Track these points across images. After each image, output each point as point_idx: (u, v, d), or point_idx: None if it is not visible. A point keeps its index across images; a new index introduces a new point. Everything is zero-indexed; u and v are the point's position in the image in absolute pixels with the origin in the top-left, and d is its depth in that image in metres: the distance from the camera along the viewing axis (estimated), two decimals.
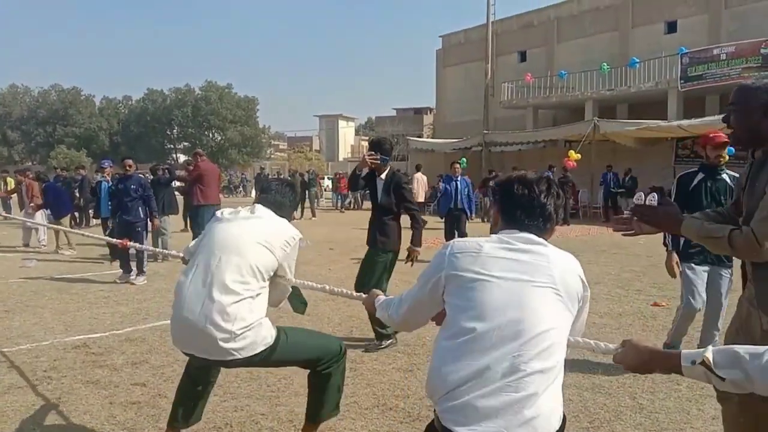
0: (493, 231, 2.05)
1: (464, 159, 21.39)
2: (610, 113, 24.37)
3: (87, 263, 10.10)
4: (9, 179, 19.60)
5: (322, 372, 3.09)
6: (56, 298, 7.28)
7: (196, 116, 60.33)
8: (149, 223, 8.83)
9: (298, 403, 3.85)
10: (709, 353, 1.55)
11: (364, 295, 2.67)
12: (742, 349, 1.53)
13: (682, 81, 21.73)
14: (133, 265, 8.41)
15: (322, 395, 3.13)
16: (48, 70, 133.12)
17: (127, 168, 8.71)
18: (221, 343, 2.70)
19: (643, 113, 22.04)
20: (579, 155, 17.04)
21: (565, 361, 1.85)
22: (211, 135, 62.17)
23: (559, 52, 29.78)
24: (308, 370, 3.14)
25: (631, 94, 24.20)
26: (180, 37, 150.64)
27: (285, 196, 3.21)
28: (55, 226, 10.87)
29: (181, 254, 3.47)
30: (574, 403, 3.91)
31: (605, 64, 24.09)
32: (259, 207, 3.09)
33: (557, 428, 1.76)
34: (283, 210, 3.16)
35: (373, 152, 5.24)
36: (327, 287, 3.18)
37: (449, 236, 10.25)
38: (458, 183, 10.60)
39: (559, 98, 26.72)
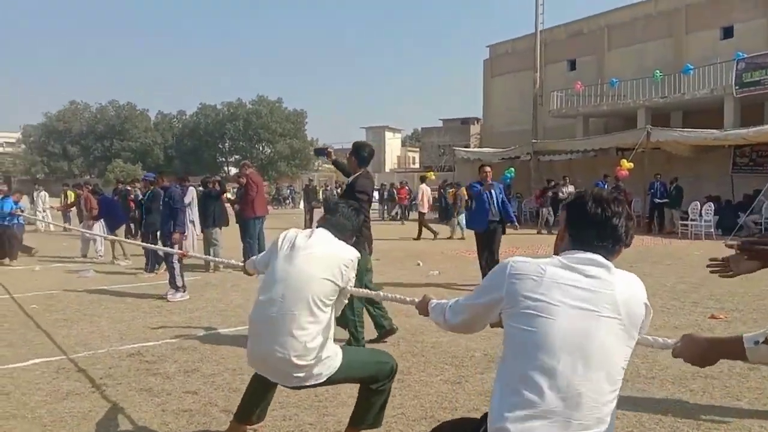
0: (557, 246, 2.00)
1: (512, 168, 21.16)
2: (664, 121, 23.69)
3: (141, 273, 10.36)
4: (69, 192, 20.33)
5: (375, 389, 3.22)
6: (112, 308, 7.50)
7: (247, 130, 61.52)
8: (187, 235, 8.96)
9: (345, 414, 3.84)
10: None
11: (417, 300, 2.68)
12: None
13: (737, 87, 20.99)
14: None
15: (370, 408, 3.26)
16: (105, 87, 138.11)
17: (160, 180, 9.05)
18: (294, 374, 2.94)
19: (698, 121, 21.36)
20: (632, 164, 16.62)
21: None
22: (261, 148, 63.29)
23: (609, 59, 29.23)
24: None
25: (685, 101, 23.51)
26: (232, 52, 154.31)
27: (349, 219, 3.32)
28: (112, 237, 11.21)
29: (241, 264, 3.76)
30: (628, 418, 3.80)
31: (658, 71, 23.50)
32: (318, 233, 3.19)
33: None
34: (344, 233, 3.27)
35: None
36: (381, 293, 3.26)
37: (483, 255, 8.61)
38: (492, 191, 8.67)
39: (611, 106, 26.16)
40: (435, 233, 17.10)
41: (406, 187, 27.42)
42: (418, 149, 66.48)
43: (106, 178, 50.70)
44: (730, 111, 21.44)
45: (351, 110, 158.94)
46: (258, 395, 3.45)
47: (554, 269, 1.83)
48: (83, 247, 12.95)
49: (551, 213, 18.93)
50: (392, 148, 70.02)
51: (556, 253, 1.96)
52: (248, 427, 3.53)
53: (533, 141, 24.09)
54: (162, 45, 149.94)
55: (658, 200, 18.04)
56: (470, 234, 10.03)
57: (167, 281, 8.18)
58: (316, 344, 2.93)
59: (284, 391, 4.05)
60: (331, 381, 3.09)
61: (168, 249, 7.65)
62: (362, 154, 5.71)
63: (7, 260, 11.75)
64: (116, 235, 11.93)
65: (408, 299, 3.00)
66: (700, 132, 17.99)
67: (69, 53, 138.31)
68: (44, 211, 21.00)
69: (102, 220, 12.74)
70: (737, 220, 15.93)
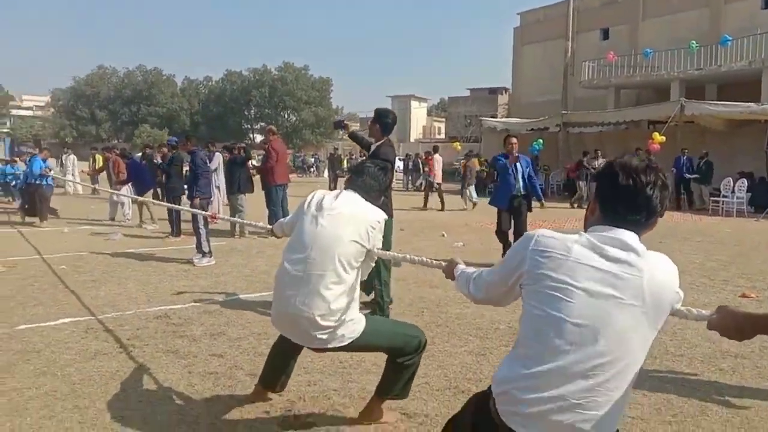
0: (587, 220, 1.88)
1: (540, 140, 20.88)
2: (698, 94, 23.07)
3: (168, 237, 10.45)
4: (98, 156, 20.56)
5: (402, 363, 3.16)
6: (139, 270, 7.59)
7: (273, 97, 61.43)
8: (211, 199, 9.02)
9: (370, 381, 3.85)
10: None
11: (443, 263, 2.59)
12: None
13: None
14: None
15: (396, 380, 3.22)
16: (133, 52, 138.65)
17: (188, 144, 9.13)
18: (317, 334, 2.93)
19: (734, 94, 20.75)
20: (664, 138, 16.24)
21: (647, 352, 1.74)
22: (286, 115, 63.23)
23: (643, 29, 28.43)
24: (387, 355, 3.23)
25: (721, 73, 22.83)
26: (258, 18, 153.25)
27: (376, 179, 3.27)
28: (141, 199, 11.31)
29: (269, 227, 3.87)
30: (656, 396, 3.74)
31: (694, 42, 22.80)
32: (345, 194, 3.15)
33: None
34: (371, 194, 3.22)
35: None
36: (408, 256, 3.23)
37: (502, 232, 8.07)
38: (518, 164, 8.03)
39: (644, 78, 25.53)
40: (427, 205, 17.10)
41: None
42: (444, 119, 65.87)
43: (133, 142, 51.22)
44: None
45: (377, 79, 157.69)
46: (281, 361, 3.46)
47: (580, 248, 1.73)
48: (111, 210, 13.11)
49: (588, 186, 18.42)
50: (418, 117, 69.45)
51: (586, 228, 1.86)
52: (271, 393, 3.56)
53: (563, 112, 23.66)
54: (189, 11, 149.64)
55: (688, 175, 17.58)
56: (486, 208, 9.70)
57: (194, 245, 8.24)
58: (341, 305, 2.92)
59: (308, 357, 4.07)
60: (354, 346, 3.06)
61: (198, 210, 7.69)
62: (386, 121, 5.46)
63: (37, 220, 11.97)
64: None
65: (434, 262, 2.95)
66: (736, 105, 17.47)
67: (98, 17, 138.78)
68: (73, 174, 21.32)
69: (130, 183, 12.86)
70: None
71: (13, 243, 9.66)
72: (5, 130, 65.03)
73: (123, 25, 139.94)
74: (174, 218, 10.38)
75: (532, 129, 25.22)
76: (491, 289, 2.03)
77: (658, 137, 16.15)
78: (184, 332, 4.96)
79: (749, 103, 17.65)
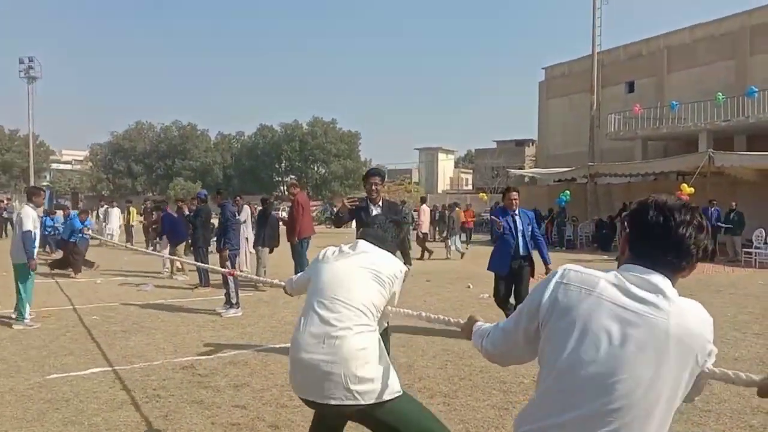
0: (619, 261, 1.77)
1: (568, 192, 20.84)
2: (727, 145, 22.93)
3: (197, 288, 10.62)
4: (132, 209, 21.07)
5: None
6: (168, 321, 7.73)
7: (303, 150, 62.77)
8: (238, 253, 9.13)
9: None
10: None
11: (462, 321, 2.45)
12: None
13: None
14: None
15: None
16: (169, 108, 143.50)
17: (218, 198, 9.41)
18: (345, 382, 2.56)
19: (763, 145, 20.57)
20: (692, 189, 16.11)
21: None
22: (315, 168, 64.37)
23: (669, 82, 28.56)
24: None
25: (749, 125, 22.70)
26: (288, 74, 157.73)
27: (387, 231, 3.18)
28: (158, 254, 11.58)
29: (283, 283, 3.55)
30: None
31: (720, 94, 22.82)
32: (361, 242, 3.04)
33: None
34: (386, 244, 3.09)
35: (352, 197, 5.55)
36: (423, 314, 3.09)
37: (500, 298, 6.88)
38: (516, 218, 6.82)
39: (671, 129, 25.50)
40: (430, 252, 17.31)
41: (471, 209, 24.83)
42: (471, 170, 66.21)
43: (167, 195, 52.41)
44: None
45: (404, 131, 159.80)
46: None
47: (606, 284, 1.64)
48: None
49: None
50: (445, 169, 69.99)
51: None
52: None
53: (590, 164, 23.64)
54: (222, 68, 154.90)
55: (721, 224, 17.28)
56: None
57: (221, 295, 8.38)
58: (371, 354, 2.64)
59: None
60: (390, 411, 2.64)
61: (216, 268, 7.85)
62: (382, 174, 5.98)
63: (72, 273, 12.28)
64: (177, 251, 12.30)
65: (452, 321, 2.82)
66: (766, 155, 17.30)
67: (136, 75, 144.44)
68: (120, 227, 21.29)
69: (165, 236, 13.14)
70: None
71: (49, 293, 9.91)
72: (45, 183, 67.25)
73: (161, 81, 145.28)
74: (202, 269, 10.56)
75: (559, 180, 25.22)
76: (508, 338, 1.87)
77: (687, 189, 16.03)
78: (209, 383, 5.03)
79: None
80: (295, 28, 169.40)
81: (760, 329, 7.49)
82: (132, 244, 16.62)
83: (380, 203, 5.59)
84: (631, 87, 30.66)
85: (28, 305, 7.37)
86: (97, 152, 69.30)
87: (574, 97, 32.42)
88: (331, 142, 62.53)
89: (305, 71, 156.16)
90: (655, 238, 1.65)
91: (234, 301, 8.22)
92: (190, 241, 13.47)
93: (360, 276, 2.80)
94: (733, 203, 17.21)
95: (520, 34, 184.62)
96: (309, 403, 2.70)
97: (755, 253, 16.06)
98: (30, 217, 7.35)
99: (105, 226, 20.70)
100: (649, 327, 1.56)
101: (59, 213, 18.36)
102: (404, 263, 5.10)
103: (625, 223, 1.77)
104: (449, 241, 17.97)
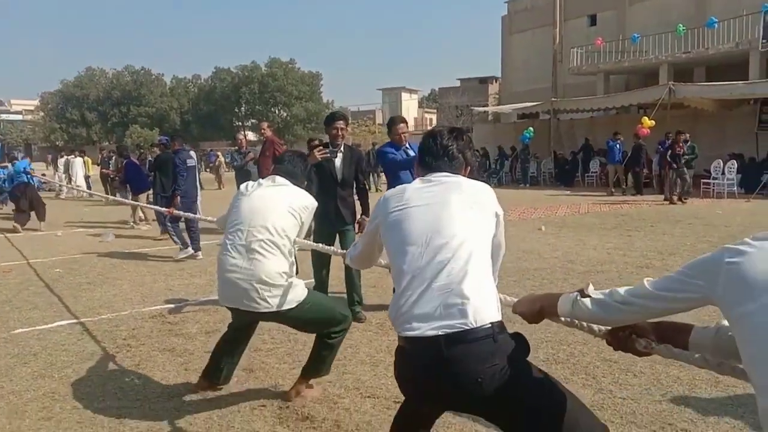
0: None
1: (531, 128, 20.89)
2: (687, 77, 23.11)
3: (164, 237, 10.46)
4: (87, 159, 20.48)
5: (330, 341, 3.47)
6: (134, 271, 7.61)
7: (263, 93, 61.21)
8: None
9: (365, 371, 3.91)
10: None
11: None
12: None
13: (764, 41, 20.36)
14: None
15: (325, 359, 3.52)
16: (120, 52, 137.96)
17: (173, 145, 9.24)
18: (263, 296, 3.16)
19: (723, 76, 20.76)
20: (653, 122, 16.28)
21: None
22: (277, 111, 63.05)
23: (631, 14, 28.42)
24: (318, 334, 3.51)
25: (709, 56, 22.86)
26: (244, 14, 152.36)
27: (296, 166, 3.59)
28: (131, 202, 11.31)
29: (215, 219, 4.04)
30: (647, 376, 3.80)
31: (681, 25, 22.83)
32: (277, 177, 3.49)
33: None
34: (297, 178, 3.55)
35: (322, 147, 5.14)
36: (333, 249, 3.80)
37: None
38: (409, 153, 5.37)
39: (632, 63, 25.54)
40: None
41: None
42: (435, 110, 65.84)
43: (123, 143, 51.04)
44: (756, 65, 20.84)
45: (367, 71, 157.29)
46: (227, 350, 3.62)
47: (411, 189, 2.27)
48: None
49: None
50: (409, 109, 69.44)
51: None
52: (214, 387, 3.67)
53: (552, 99, 23.68)
54: (175, 8, 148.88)
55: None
56: None
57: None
58: (281, 269, 3.20)
59: (303, 350, 4.11)
60: (298, 314, 3.27)
61: (154, 207, 8.04)
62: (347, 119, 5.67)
63: (42, 224, 11.95)
64: (138, 199, 12.01)
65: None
66: (723, 85, 17.51)
67: (84, 18, 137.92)
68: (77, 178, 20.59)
69: (128, 184, 12.78)
70: (761, 178, 15.62)
71: (6, 248, 9.65)
72: None
73: (109, 26, 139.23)
74: (163, 218, 10.33)
75: (523, 116, 25.24)
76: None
77: (647, 122, 16.19)
78: (179, 330, 4.99)
79: (736, 82, 17.72)
80: None
81: None
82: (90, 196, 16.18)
83: (341, 149, 5.28)
84: (593, 20, 30.44)
85: None
86: (48, 101, 66.48)
87: (536, 32, 32.08)
88: (292, 84, 60.96)
89: (260, 10, 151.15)
90: (431, 153, 2.27)
91: (180, 243, 8.43)
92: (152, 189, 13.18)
93: (274, 206, 3.31)
94: (686, 135, 17.06)
95: None
96: (232, 310, 3.36)
97: (713, 183, 16.46)
98: None
99: (71, 179, 20.10)
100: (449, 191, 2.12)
101: (9, 165, 17.72)
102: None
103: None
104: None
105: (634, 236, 9.43)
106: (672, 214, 12.26)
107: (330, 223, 5.20)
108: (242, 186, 3.54)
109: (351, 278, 5.29)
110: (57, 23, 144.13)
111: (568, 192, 18.54)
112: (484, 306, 1.90)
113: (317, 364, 3.51)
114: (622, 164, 18.19)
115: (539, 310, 1.93)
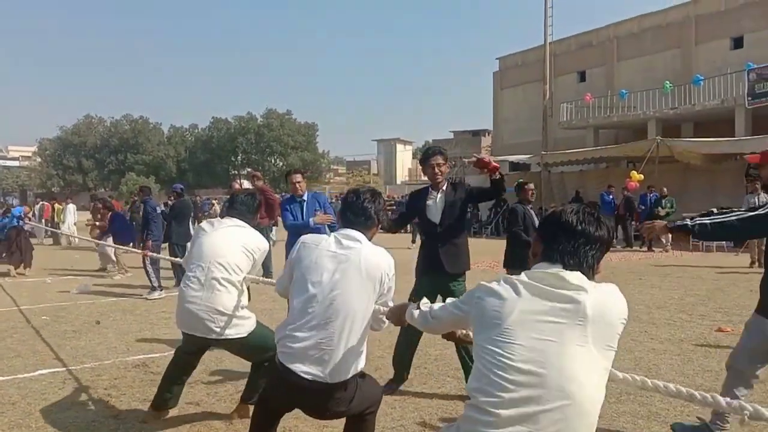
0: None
1: (521, 180, 21.10)
2: (675, 133, 23.58)
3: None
4: (57, 206, 21.11)
5: (265, 367, 3.78)
6: (120, 319, 7.58)
7: (259, 143, 61.90)
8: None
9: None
10: None
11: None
12: None
13: (749, 98, 20.87)
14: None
15: (261, 383, 3.72)
16: (119, 101, 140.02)
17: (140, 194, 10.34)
18: (217, 324, 3.61)
19: (710, 132, 21.19)
20: (641, 176, 16.54)
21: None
22: (273, 161, 63.61)
23: (619, 71, 29.18)
24: (251, 361, 3.93)
25: (695, 112, 23.38)
26: (241, 67, 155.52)
27: (245, 204, 4.06)
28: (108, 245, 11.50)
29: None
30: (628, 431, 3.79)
31: (668, 82, 23.43)
32: (234, 219, 3.96)
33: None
34: (247, 217, 4.03)
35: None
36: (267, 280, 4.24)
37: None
38: (303, 206, 6.04)
39: (621, 118, 26.07)
40: None
41: None
42: None
43: (119, 191, 51.14)
44: (741, 122, 21.32)
45: (362, 123, 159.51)
46: (176, 374, 3.97)
47: (328, 240, 2.81)
48: (102, 260, 12.95)
49: None
50: (403, 160, 70.15)
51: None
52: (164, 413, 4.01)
53: (542, 153, 24.03)
54: (174, 59, 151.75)
55: (660, 210, 17.12)
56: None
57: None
58: (234, 303, 3.66)
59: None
60: (243, 342, 3.70)
61: (129, 249, 8.94)
62: (445, 154, 4.84)
63: (27, 270, 12.00)
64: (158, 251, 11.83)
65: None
66: (712, 141, 17.85)
67: (85, 68, 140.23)
68: (75, 224, 20.62)
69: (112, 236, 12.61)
70: None
71: None
72: None
73: (110, 74, 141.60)
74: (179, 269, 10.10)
75: (515, 168, 25.52)
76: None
77: (636, 176, 16.45)
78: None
79: (723, 139, 18.08)
80: (241, 21, 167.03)
81: (705, 311, 7.77)
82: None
83: (444, 188, 4.62)
84: (582, 76, 31.21)
85: None
86: (45, 147, 66.95)
87: (527, 87, 32.82)
88: (288, 134, 61.75)
89: (258, 64, 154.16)
90: (352, 210, 2.85)
91: (155, 284, 9.18)
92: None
93: (229, 246, 3.78)
94: (664, 189, 17.20)
95: (475, 25, 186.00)
96: (187, 335, 3.79)
97: None
98: None
99: (53, 224, 20.19)
100: (349, 261, 2.68)
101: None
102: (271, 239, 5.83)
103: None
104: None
105: (623, 289, 9.42)
106: (661, 267, 12.32)
107: (428, 278, 4.60)
108: (205, 223, 4.00)
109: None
110: (58, 70, 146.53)
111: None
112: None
113: (255, 387, 3.83)
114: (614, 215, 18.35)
115: (399, 317, 2.59)
